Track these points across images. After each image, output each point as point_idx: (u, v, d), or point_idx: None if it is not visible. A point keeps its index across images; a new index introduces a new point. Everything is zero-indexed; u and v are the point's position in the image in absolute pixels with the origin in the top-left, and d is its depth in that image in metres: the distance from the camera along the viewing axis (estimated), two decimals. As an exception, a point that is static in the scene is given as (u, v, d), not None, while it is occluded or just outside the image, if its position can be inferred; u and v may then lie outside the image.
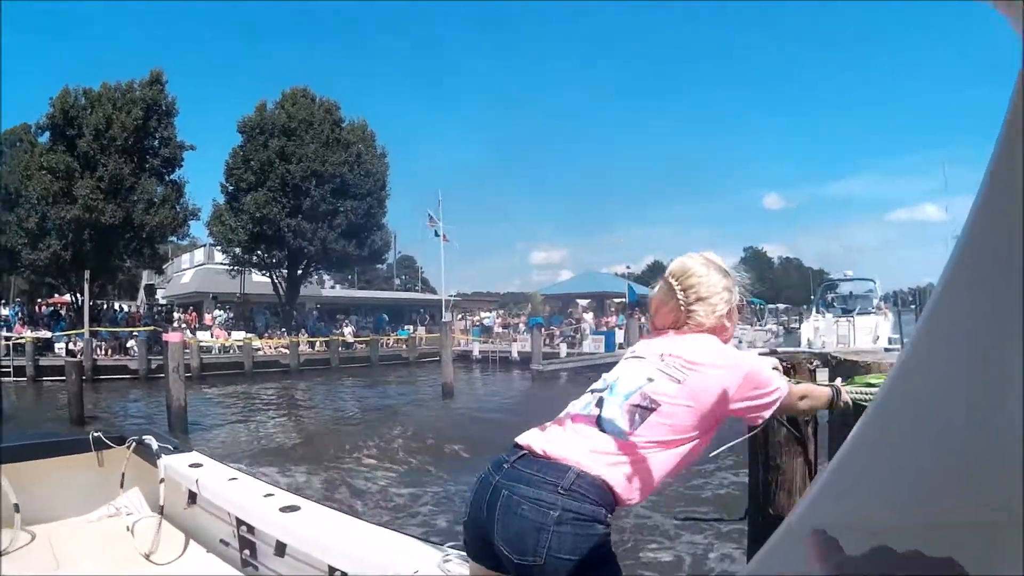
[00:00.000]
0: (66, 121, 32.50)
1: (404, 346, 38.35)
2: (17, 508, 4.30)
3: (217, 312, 37.57)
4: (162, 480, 4.28)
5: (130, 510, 4.67)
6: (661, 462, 1.81)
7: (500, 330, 41.86)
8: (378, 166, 37.55)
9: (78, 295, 33.56)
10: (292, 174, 34.42)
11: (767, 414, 1.94)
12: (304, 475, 11.10)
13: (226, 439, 16.31)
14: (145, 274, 44.09)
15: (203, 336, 33.09)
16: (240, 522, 3.65)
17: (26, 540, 4.39)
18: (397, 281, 71.39)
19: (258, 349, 32.75)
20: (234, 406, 22.68)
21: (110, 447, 4.83)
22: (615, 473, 1.76)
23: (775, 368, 2.31)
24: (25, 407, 23.28)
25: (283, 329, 36.40)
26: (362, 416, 19.40)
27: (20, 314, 33.95)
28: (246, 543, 3.65)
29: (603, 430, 1.82)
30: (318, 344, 35.81)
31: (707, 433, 1.88)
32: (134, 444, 4.67)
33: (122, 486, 4.74)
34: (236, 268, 38.02)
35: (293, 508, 3.32)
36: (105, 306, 36.14)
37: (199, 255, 47.74)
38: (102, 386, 26.63)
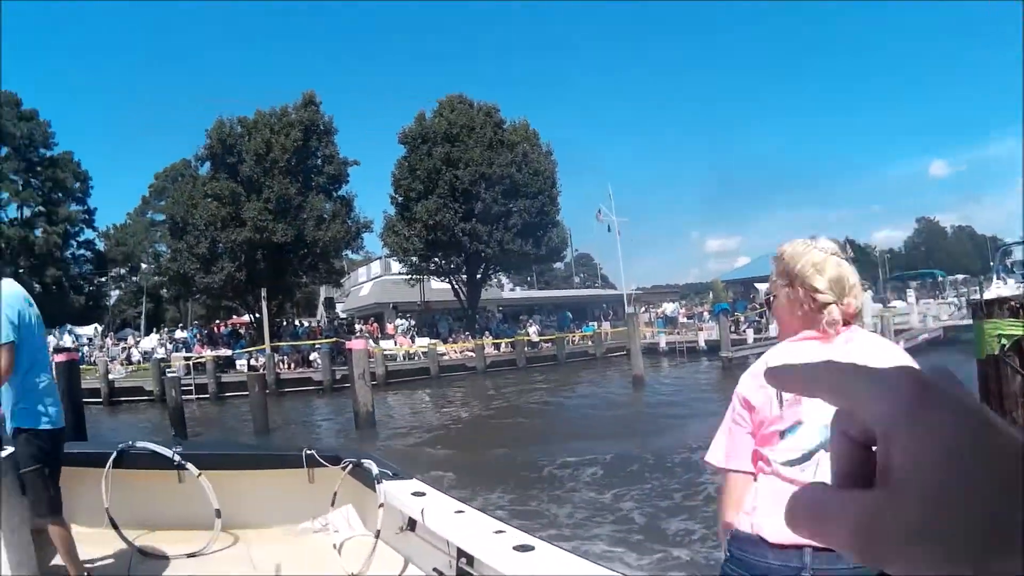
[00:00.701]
0: (225, 150, 34.11)
1: (590, 342, 37.67)
2: (218, 513, 4.50)
3: (399, 321, 38.02)
4: (381, 505, 4.22)
5: (338, 528, 4.73)
6: None
7: (684, 320, 40.99)
8: (545, 164, 37.05)
9: (256, 315, 34.91)
10: (460, 179, 34.45)
11: None
12: (512, 492, 10.09)
13: (418, 441, 15.93)
14: (323, 290, 45.69)
15: (386, 345, 33.46)
16: (461, 554, 3.51)
17: (227, 543, 4.60)
18: (576, 279, 71.04)
19: (443, 354, 32.77)
20: (423, 409, 22.84)
21: (324, 466, 4.81)
22: None
23: None
24: (208, 420, 24.15)
25: (467, 333, 36.42)
26: (558, 414, 18.86)
27: (199, 335, 35.71)
28: (464, 575, 3.54)
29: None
30: (504, 345, 35.62)
31: None
32: (350, 466, 4.64)
33: (332, 504, 4.79)
34: (414, 277, 38.49)
35: (527, 548, 3.08)
36: (285, 323, 37.50)
37: (376, 268, 48.86)
38: (285, 399, 27.32)
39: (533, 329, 38.15)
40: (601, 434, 14.71)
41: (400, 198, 36.89)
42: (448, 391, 26.86)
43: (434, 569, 3.79)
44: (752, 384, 1.97)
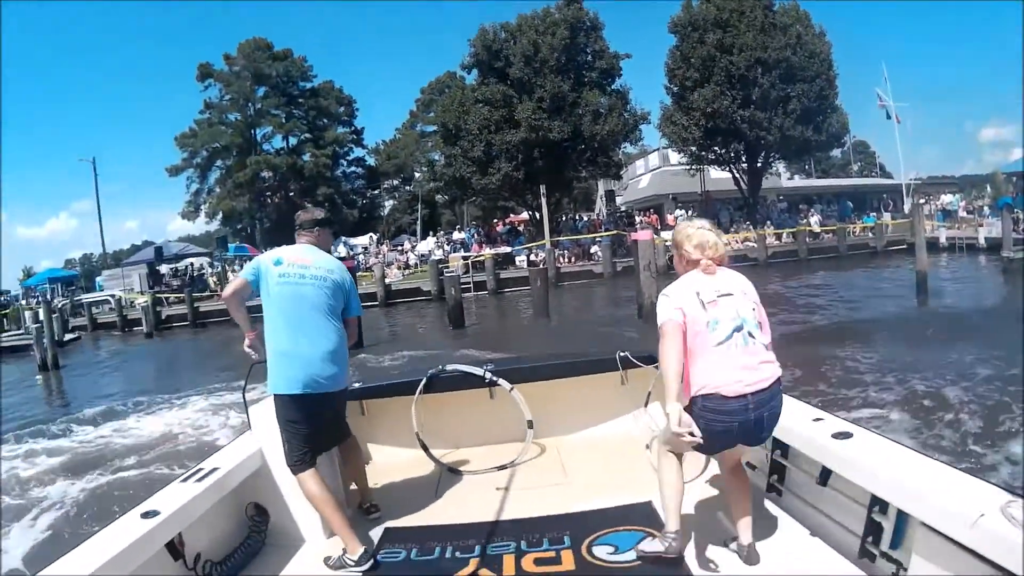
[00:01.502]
0: (491, 56, 34.91)
1: (871, 234, 35.78)
2: (530, 424, 4.71)
3: (679, 212, 37.80)
4: None
5: (652, 427, 4.63)
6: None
7: (964, 215, 37.82)
8: (820, 46, 35.05)
9: (535, 212, 35.76)
10: (736, 65, 33.41)
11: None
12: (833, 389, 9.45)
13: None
14: (601, 183, 45.95)
15: (667, 236, 32.97)
16: (777, 445, 3.56)
17: (536, 452, 4.82)
18: (855, 167, 67.65)
19: (725, 244, 32.10)
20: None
21: (637, 366, 4.87)
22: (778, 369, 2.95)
23: None
24: (485, 315, 24.59)
25: (747, 223, 35.78)
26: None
27: (476, 235, 37.16)
28: (776, 467, 3.62)
29: (764, 346, 2.92)
30: (785, 235, 34.71)
31: None
32: None
33: (646, 405, 4.82)
34: (694, 167, 38.12)
35: (845, 435, 3.06)
36: (564, 218, 38.24)
37: (654, 159, 48.51)
38: (565, 291, 27.48)
39: (815, 219, 36.78)
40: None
41: (675, 88, 36.42)
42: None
43: (747, 463, 3.75)
44: (676, 298, 2.95)
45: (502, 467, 4.62)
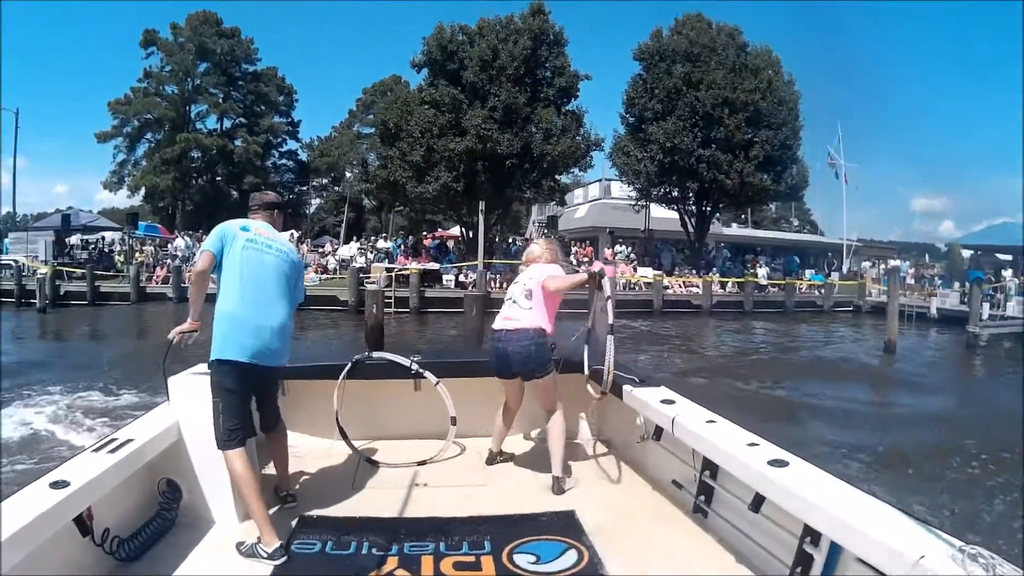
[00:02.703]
0: (445, 56, 32.13)
1: (817, 292, 34.89)
2: (454, 420, 4.72)
3: (618, 248, 35.92)
4: (629, 411, 4.34)
5: (576, 434, 4.90)
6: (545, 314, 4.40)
7: (912, 282, 37.34)
8: (790, 94, 33.71)
9: (469, 230, 33.36)
10: (702, 101, 31.72)
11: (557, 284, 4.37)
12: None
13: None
14: (535, 209, 44.21)
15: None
16: (707, 466, 3.57)
17: (458, 451, 4.89)
18: (794, 222, 67.16)
19: (667, 287, 30.50)
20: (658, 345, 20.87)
21: (568, 372, 4.75)
22: (538, 320, 4.34)
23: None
24: (407, 337, 22.10)
25: (691, 268, 34.07)
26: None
27: (404, 246, 34.30)
28: (705, 488, 3.60)
29: (521, 308, 4.42)
30: (730, 285, 33.22)
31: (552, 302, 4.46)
32: (594, 371, 4.57)
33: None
34: (640, 203, 36.33)
35: (781, 463, 2.94)
36: (498, 239, 35.97)
37: (594, 190, 47.26)
38: (495, 316, 25.47)
39: (763, 271, 35.48)
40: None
41: (632, 118, 34.54)
42: (678, 329, 24.78)
43: (673, 481, 3.90)
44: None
45: (422, 463, 4.62)
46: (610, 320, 4.09)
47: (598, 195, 45.98)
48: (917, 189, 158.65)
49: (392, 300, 26.18)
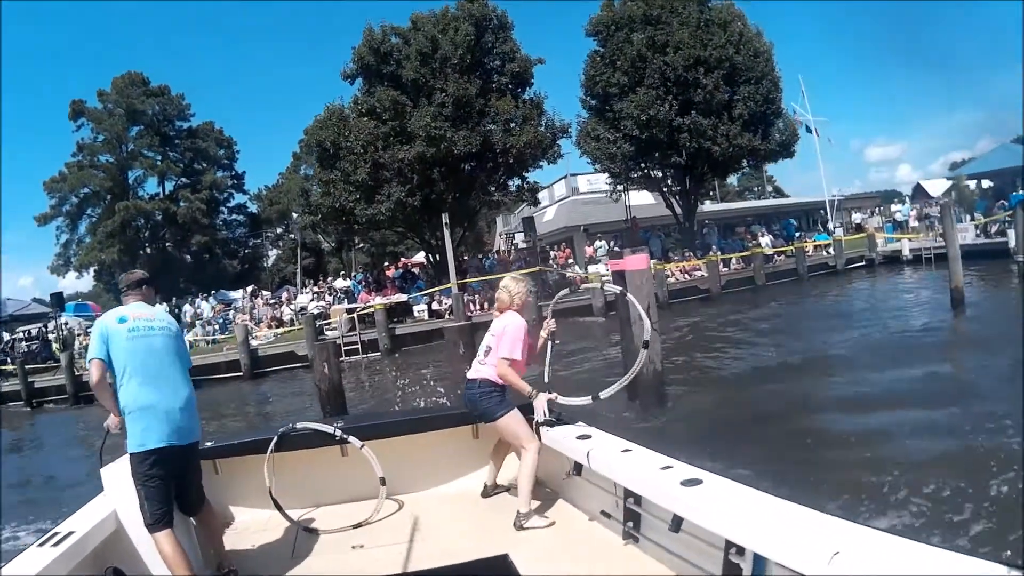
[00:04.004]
0: (379, 59, 28.66)
1: (825, 252, 32.23)
2: (383, 481, 4.77)
3: (599, 243, 32.78)
4: (550, 450, 4.44)
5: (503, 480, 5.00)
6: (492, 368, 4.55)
7: (915, 223, 35.39)
8: (762, 45, 30.53)
9: (434, 253, 30.05)
10: (672, 65, 28.43)
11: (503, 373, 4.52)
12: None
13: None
14: (499, 220, 40.91)
15: (596, 270, 28.66)
16: (628, 494, 3.65)
17: (392, 509, 4.87)
18: (770, 188, 65.00)
19: (668, 276, 27.14)
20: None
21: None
22: (489, 373, 4.56)
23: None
24: (385, 385, 18.18)
25: (686, 251, 30.86)
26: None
27: (364, 281, 30.53)
28: (631, 515, 3.69)
29: (480, 361, 4.67)
30: (734, 261, 30.09)
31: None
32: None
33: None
34: (617, 190, 33.30)
35: (695, 481, 3.03)
36: (468, 256, 32.42)
37: (560, 189, 44.78)
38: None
39: (765, 240, 32.57)
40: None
41: (594, 100, 31.28)
42: (688, 322, 21.25)
43: (602, 512, 3.99)
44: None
45: (358, 525, 4.59)
46: (646, 336, 5.69)
47: (565, 193, 43.53)
48: (870, 139, 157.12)
49: (358, 344, 23.37)
